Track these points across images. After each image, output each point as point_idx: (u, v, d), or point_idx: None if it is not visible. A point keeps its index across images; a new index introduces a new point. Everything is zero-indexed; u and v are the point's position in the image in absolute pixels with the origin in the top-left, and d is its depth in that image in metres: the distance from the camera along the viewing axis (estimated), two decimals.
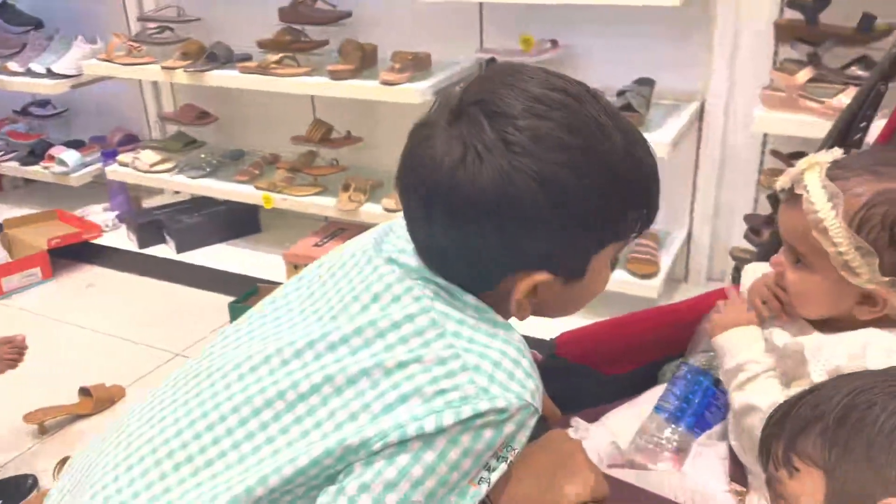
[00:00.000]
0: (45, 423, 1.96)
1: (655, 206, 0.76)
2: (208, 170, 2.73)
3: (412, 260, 0.75)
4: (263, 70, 2.39)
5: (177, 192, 2.98)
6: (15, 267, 2.67)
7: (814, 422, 0.63)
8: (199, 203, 2.86)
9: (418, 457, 0.65)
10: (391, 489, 0.65)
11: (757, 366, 0.90)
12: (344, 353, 0.71)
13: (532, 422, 0.70)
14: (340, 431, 0.67)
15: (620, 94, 2.00)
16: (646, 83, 2.06)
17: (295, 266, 2.48)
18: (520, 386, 0.68)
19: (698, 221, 2.28)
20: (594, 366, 1.09)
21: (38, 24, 3.10)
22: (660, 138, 1.91)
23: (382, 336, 0.71)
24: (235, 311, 2.32)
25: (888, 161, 0.84)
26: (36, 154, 3.06)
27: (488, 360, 0.69)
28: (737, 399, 0.91)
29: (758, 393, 0.88)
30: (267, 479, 0.67)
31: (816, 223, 0.83)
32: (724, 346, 0.95)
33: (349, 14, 2.47)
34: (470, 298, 0.74)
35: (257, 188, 2.59)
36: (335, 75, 2.30)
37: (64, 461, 1.76)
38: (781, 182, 0.88)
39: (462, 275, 0.74)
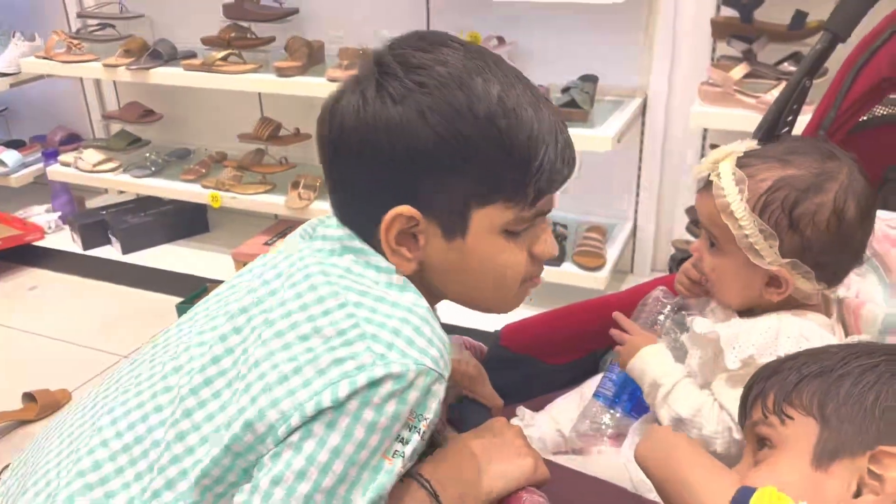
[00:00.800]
0: None
1: (546, 174, 0.73)
2: (154, 169, 2.69)
3: (336, 231, 0.77)
4: (208, 67, 2.37)
5: (121, 192, 2.93)
6: None
7: (813, 376, 0.69)
8: (145, 203, 2.81)
9: (324, 441, 0.65)
10: (301, 478, 0.65)
11: (669, 378, 0.93)
12: (247, 332, 0.72)
13: (439, 388, 0.69)
14: (243, 416, 0.68)
15: (565, 90, 2.04)
16: (589, 79, 2.10)
17: (245, 265, 2.46)
18: (419, 352, 0.68)
19: (643, 215, 2.34)
20: (538, 356, 1.11)
21: None
22: (603, 133, 1.95)
23: (283, 305, 0.71)
24: (183, 312, 2.29)
25: (794, 150, 0.89)
26: None
27: (387, 329, 0.68)
28: (663, 415, 0.93)
29: (678, 403, 0.91)
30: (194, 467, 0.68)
31: (724, 207, 0.87)
32: (636, 369, 0.97)
33: (296, 11, 2.46)
34: (382, 262, 0.74)
35: (204, 187, 2.56)
36: (282, 72, 2.29)
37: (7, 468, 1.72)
38: (698, 171, 0.93)
39: (356, 221, 0.76)
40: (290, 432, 0.66)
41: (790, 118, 1.10)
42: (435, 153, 0.70)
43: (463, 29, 2.28)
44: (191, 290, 2.40)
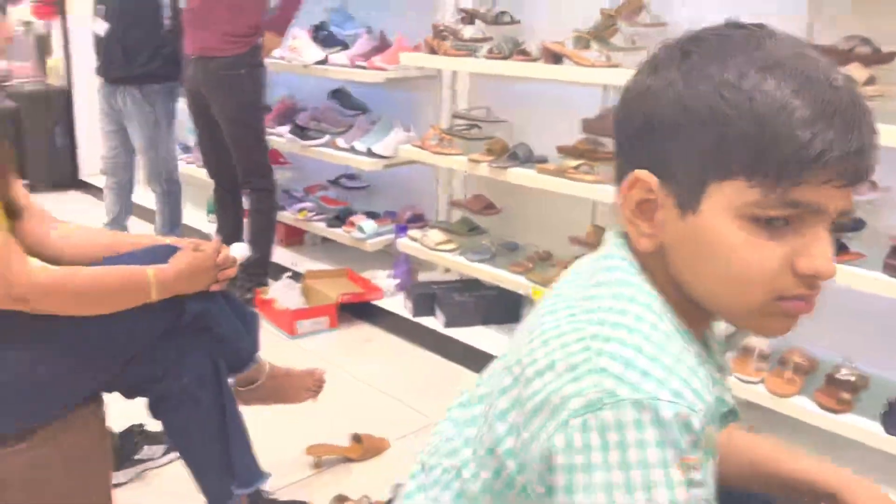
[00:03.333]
0: (322, 459, 2.17)
1: (797, 147, 0.62)
2: (487, 256, 2.93)
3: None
4: (561, 173, 2.55)
5: (447, 271, 3.22)
6: (309, 313, 3.03)
7: None
8: (470, 284, 3.06)
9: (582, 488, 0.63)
10: None
11: None
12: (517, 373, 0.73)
13: (694, 421, 0.62)
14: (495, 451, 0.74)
15: None
16: None
17: None
18: (657, 384, 0.62)
19: None
20: None
21: (364, 110, 3.58)
22: None
23: (546, 344, 0.71)
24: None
25: None
26: (339, 218, 3.49)
27: (619, 360, 0.64)
28: None
29: None
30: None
31: None
32: None
33: None
34: (618, 261, 0.76)
35: (529, 279, 2.72)
36: None
37: (340, 498, 1.92)
38: None
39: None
40: (551, 472, 0.65)
41: None
42: (674, 116, 0.68)
43: None
44: None
